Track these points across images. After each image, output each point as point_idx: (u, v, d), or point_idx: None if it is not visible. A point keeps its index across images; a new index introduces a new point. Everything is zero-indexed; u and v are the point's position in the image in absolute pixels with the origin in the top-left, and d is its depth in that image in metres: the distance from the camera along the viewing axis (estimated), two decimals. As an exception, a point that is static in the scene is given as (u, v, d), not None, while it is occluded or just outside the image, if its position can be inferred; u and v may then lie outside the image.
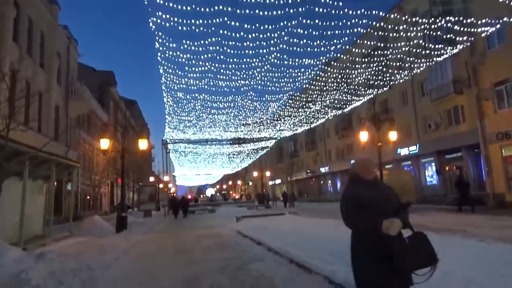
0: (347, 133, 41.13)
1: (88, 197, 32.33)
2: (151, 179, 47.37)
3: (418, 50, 21.15)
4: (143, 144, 18.34)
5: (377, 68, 20.38)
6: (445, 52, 19.91)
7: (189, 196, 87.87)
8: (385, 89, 25.14)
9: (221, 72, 14.91)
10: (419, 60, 21.45)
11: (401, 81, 23.87)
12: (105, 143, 17.51)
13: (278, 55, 14.08)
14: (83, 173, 28.21)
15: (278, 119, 26.08)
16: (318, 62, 15.65)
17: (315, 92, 22.72)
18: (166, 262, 8.31)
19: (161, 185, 50.07)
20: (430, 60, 21.73)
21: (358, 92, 25.30)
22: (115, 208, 34.16)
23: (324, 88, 23.33)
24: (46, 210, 15.18)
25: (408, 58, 22.77)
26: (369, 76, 22.15)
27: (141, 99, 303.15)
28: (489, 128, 20.83)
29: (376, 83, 23.15)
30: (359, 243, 2.89)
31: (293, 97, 22.56)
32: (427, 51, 21.69)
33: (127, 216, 18.19)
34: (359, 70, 21.72)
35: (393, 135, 20.46)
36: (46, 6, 24.10)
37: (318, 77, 22.24)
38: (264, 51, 13.75)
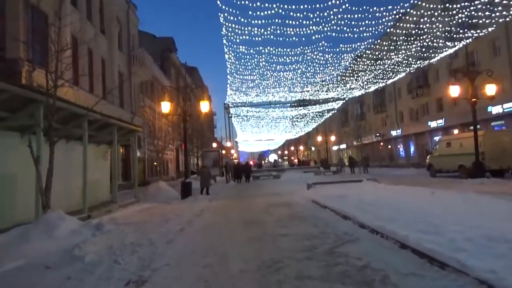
0: (423, 91, 37.16)
1: (155, 163, 32.76)
2: (214, 145, 47.37)
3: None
4: (204, 106, 17.23)
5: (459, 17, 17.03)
6: None
7: (251, 162, 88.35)
8: (468, 41, 21.33)
9: (290, 15, 12.87)
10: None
11: (488, 30, 19.95)
12: (166, 106, 16.64)
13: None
14: (147, 138, 28.30)
15: (351, 74, 23.44)
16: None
17: (396, 42, 19.78)
18: (235, 238, 7.02)
19: (223, 151, 50.09)
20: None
21: (436, 45, 21.82)
22: (181, 174, 34.51)
23: (394, 46, 20.38)
24: (113, 175, 14.84)
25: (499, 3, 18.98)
26: (449, 27, 18.79)
27: (202, 67, 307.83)
28: None
29: (455, 35, 19.63)
30: None
31: (372, 45, 19.82)
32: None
33: (192, 182, 17.47)
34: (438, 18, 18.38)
35: (490, 89, 17.17)
36: (102, -31, 23.42)
37: (396, 26, 19.25)
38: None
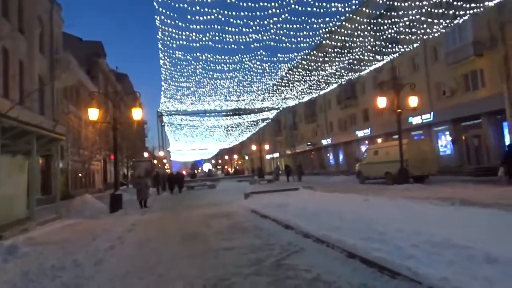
0: (351, 103, 39.24)
1: (80, 174, 30.42)
2: (146, 154, 45.47)
3: (434, 11, 19.14)
4: (137, 114, 16.25)
5: (384, 34, 18.36)
6: (463, 13, 17.94)
7: (184, 172, 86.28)
8: (394, 56, 23.01)
9: (230, 21, 12.60)
10: (433, 23, 19.39)
11: (409, 48, 21.72)
12: (94, 113, 15.41)
13: (301, -3, 11.79)
14: (71, 148, 26.21)
15: (286, 84, 23.84)
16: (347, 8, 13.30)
17: (329, 55, 20.51)
18: (174, 254, 6.50)
19: (155, 161, 48.25)
20: (446, 21, 19.65)
21: (366, 58, 23.20)
22: (110, 185, 32.42)
23: (328, 57, 21.31)
24: (31, 189, 13.28)
25: (418, 24, 20.84)
26: (375, 43, 20.14)
27: (135, 74, 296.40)
28: (518, 91, 18.99)
29: (384, 49, 21.11)
30: None
31: (308, 56, 20.30)
32: (444, 12, 19.74)
33: (122, 194, 16.35)
34: (362, 38, 19.61)
35: (413, 101, 18.49)
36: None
37: (326, 40, 20.05)
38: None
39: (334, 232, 6.09)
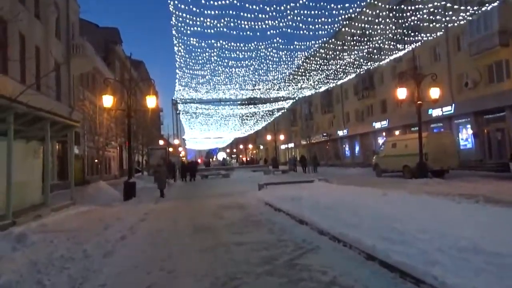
0: (368, 93, 38.40)
1: (96, 160, 30.68)
2: (161, 142, 45.63)
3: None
4: (151, 101, 16.12)
5: (406, 21, 17.65)
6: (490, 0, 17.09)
7: (199, 160, 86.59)
8: (415, 45, 22.20)
9: (245, 7, 12.23)
10: (456, 11, 18.57)
11: (431, 37, 20.92)
12: (108, 100, 15.33)
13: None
14: (87, 134, 26.38)
15: (303, 73, 23.33)
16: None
17: (347, 43, 19.94)
18: (185, 248, 6.32)
19: (170, 149, 48.45)
20: (473, 8, 18.79)
21: (383, 49, 22.51)
22: (125, 172, 32.66)
23: (347, 46, 20.71)
24: (46, 175, 13.34)
25: (442, 11, 20.01)
26: (397, 31, 19.45)
27: (150, 61, 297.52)
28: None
29: (405, 37, 20.41)
30: None
31: (326, 44, 19.76)
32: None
33: (136, 182, 16.31)
34: (382, 25, 18.92)
35: (435, 92, 17.82)
36: None
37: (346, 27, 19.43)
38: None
39: (351, 229, 5.80)
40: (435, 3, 16.39)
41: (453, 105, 25.73)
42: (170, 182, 16.81)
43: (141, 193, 16.52)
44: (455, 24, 19.93)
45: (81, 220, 10.23)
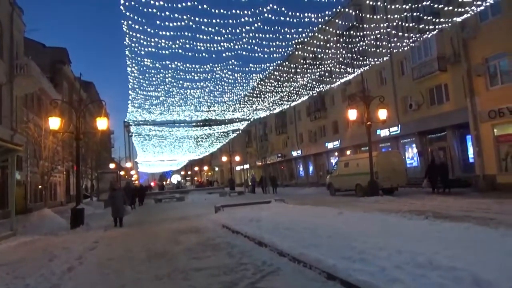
0: (320, 114, 39.64)
1: (39, 186, 28.79)
2: (112, 165, 43.86)
3: (402, 24, 19.70)
4: (102, 123, 15.48)
5: (354, 46, 18.74)
6: (428, 29, 18.61)
7: (152, 183, 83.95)
8: (363, 68, 23.49)
9: (201, 29, 12.21)
10: (400, 38, 20.01)
11: (377, 61, 22.29)
12: (55, 122, 14.52)
13: (275, 7, 11.56)
14: (30, 159, 24.77)
15: (258, 95, 23.65)
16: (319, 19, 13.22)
17: (300, 66, 20.59)
18: (139, 276, 5.98)
19: (122, 172, 46.67)
20: (412, 37, 20.31)
21: (333, 72, 23.57)
22: (72, 198, 30.86)
23: (300, 69, 21.46)
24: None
25: (387, 37, 21.42)
26: (346, 55, 20.54)
27: (101, 83, 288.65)
28: (480, 106, 19.63)
29: (353, 62, 21.55)
30: None
31: (280, 67, 20.20)
32: (410, 27, 20.38)
33: (84, 208, 15.41)
34: (333, 50, 19.96)
35: (382, 113, 18.74)
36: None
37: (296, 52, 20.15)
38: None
39: (311, 249, 5.79)
40: (381, 30, 17.47)
41: (399, 125, 27.18)
42: (127, 209, 15.67)
43: (90, 220, 15.63)
44: (399, 50, 21.32)
45: (23, 251, 9.43)
